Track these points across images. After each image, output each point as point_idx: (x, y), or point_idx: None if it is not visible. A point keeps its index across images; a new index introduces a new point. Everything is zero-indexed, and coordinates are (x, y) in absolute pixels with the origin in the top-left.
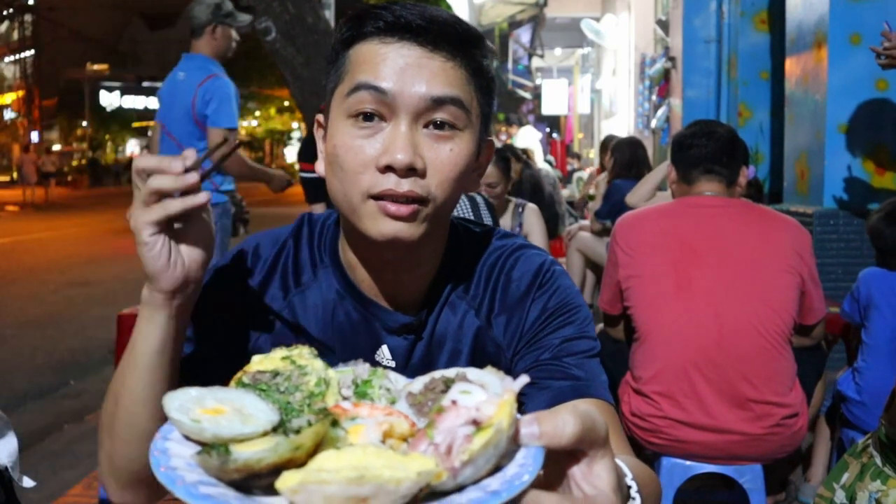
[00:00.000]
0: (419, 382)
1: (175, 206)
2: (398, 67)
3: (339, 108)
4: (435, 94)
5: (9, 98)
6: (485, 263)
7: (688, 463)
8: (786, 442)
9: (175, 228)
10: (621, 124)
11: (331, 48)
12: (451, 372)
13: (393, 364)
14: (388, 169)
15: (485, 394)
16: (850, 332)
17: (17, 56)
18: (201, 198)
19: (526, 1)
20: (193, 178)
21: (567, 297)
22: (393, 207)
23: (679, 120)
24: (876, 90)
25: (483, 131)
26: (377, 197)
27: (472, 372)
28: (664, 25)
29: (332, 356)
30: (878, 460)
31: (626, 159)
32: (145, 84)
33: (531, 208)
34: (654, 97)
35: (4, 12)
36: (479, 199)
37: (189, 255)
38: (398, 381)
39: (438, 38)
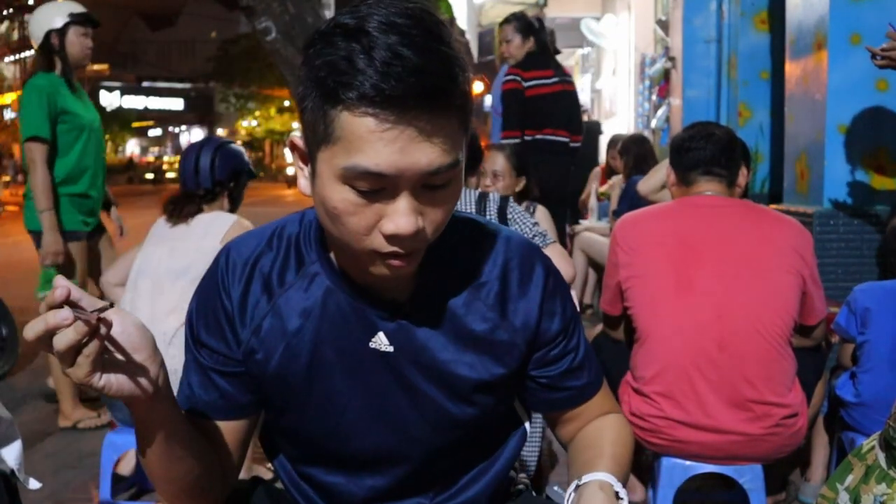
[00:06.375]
0: None
1: (91, 348)
2: (396, 148)
3: (331, 169)
4: (434, 167)
5: (9, 98)
6: (471, 246)
7: (688, 463)
8: (786, 442)
9: (110, 358)
10: (621, 124)
11: (306, 78)
12: None
13: (391, 349)
14: (393, 237)
15: None
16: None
17: (17, 56)
18: (63, 315)
19: (526, 1)
20: (66, 314)
21: (557, 278)
22: (397, 262)
23: (679, 120)
24: (876, 91)
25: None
26: (383, 256)
27: None
28: (664, 25)
29: (324, 348)
30: (883, 462)
31: (635, 157)
32: (145, 84)
33: (541, 210)
34: (654, 97)
35: (4, 12)
36: (491, 195)
37: (138, 367)
38: None
39: (431, 99)
